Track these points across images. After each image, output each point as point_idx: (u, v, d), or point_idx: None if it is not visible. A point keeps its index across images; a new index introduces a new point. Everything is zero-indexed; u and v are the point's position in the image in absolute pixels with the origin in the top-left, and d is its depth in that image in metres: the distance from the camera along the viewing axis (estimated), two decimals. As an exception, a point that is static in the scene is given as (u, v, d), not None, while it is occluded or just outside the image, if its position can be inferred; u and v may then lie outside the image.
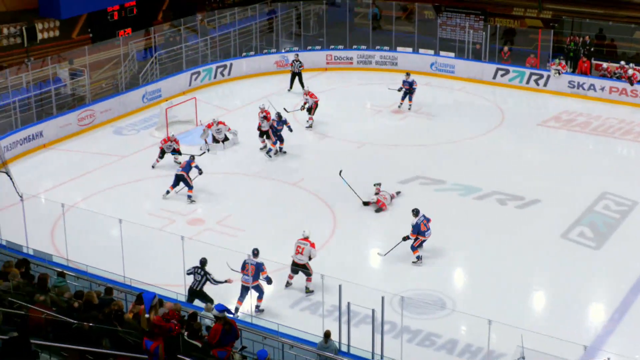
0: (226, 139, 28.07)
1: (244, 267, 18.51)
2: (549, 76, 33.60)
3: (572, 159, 27.51)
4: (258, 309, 18.74)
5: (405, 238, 20.90)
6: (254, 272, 18.38)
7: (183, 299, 17.64)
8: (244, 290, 18.56)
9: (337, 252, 21.51)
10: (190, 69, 34.22)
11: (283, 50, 36.83)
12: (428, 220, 21.00)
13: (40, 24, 31.69)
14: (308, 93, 30.04)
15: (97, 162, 27.07)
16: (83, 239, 21.06)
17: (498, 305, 18.83)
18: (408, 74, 31.83)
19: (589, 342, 17.27)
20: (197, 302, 17.90)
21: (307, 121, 29.98)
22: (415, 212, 20.96)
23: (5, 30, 30.53)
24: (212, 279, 18.23)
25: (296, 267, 19.62)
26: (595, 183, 25.10)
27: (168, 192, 24.37)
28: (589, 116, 31.15)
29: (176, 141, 26.51)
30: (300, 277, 19.61)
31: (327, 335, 15.77)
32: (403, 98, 31.69)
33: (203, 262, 18.29)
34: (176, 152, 26.48)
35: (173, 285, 18.19)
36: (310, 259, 19.53)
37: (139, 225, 20.07)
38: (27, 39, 31.16)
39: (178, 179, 24.22)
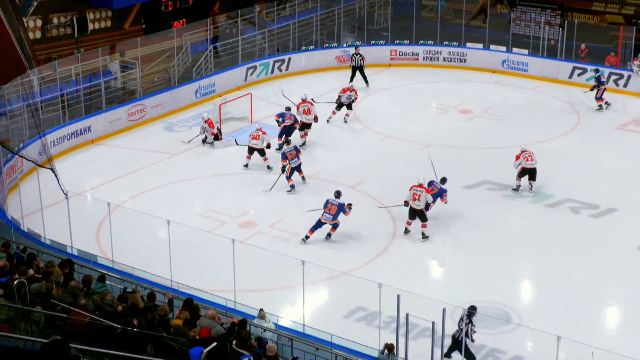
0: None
1: (326, 205, 21.76)
2: (629, 76, 33.13)
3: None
4: (329, 237, 21.94)
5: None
6: (335, 212, 21.65)
7: (232, 305, 17.73)
8: (319, 224, 21.75)
9: (396, 260, 21.48)
10: (247, 63, 34.45)
11: (345, 45, 36.88)
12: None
13: (91, 13, 32.19)
14: (352, 89, 30.20)
15: (146, 159, 27.41)
16: (129, 240, 21.37)
17: (568, 320, 18.61)
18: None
19: (666, 363, 17.00)
20: (246, 310, 17.87)
21: (346, 117, 30.30)
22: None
23: (55, 20, 31.05)
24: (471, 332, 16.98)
25: (414, 213, 22.20)
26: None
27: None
28: (672, 120, 30.71)
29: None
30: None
31: (390, 348, 15.72)
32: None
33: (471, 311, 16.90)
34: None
35: (222, 290, 18.31)
36: (427, 205, 22.20)
37: (187, 226, 20.24)
38: (77, 30, 31.65)
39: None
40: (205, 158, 27.48)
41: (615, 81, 33.66)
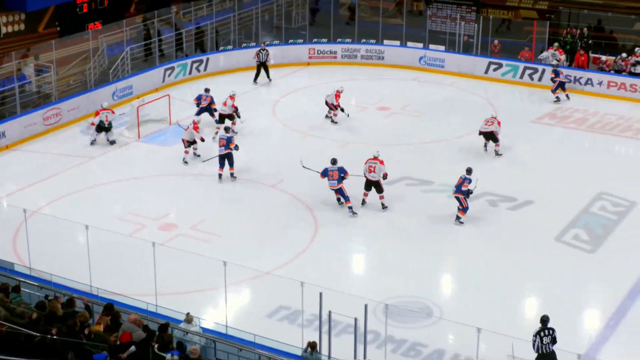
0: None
1: (326, 174, 23.48)
2: (544, 70, 33.73)
3: (567, 157, 27.65)
4: (352, 211, 23.56)
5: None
6: (337, 176, 23.35)
7: (153, 308, 17.63)
8: (340, 192, 23.65)
9: (317, 258, 21.60)
10: (164, 65, 34.23)
11: (263, 44, 36.85)
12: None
13: (4, 17, 31.62)
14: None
15: (63, 164, 27.01)
16: (47, 246, 21.07)
17: (488, 312, 18.92)
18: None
19: (582, 350, 17.37)
20: (168, 313, 17.78)
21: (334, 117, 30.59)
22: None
23: (-35, 24, 30.53)
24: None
25: (369, 185, 23.74)
26: (591, 183, 25.24)
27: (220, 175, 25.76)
28: (586, 112, 31.35)
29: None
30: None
31: (312, 346, 15.81)
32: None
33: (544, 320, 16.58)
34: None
35: (144, 294, 18.15)
36: (384, 176, 23.69)
37: (107, 231, 20.06)
38: (-11, 34, 31.16)
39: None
40: (124, 161, 27.23)
41: (530, 75, 34.27)
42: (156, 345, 14.49)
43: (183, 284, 19.78)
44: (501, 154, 27.39)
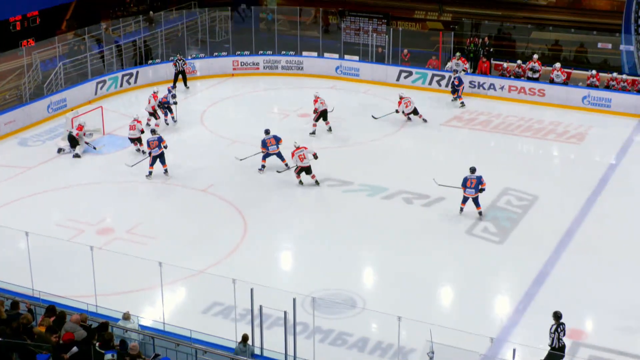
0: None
1: (265, 144, 26.21)
2: (450, 77, 34.10)
3: (475, 156, 27.97)
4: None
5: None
6: (274, 142, 26.23)
7: (93, 309, 17.33)
8: (279, 156, 26.15)
9: (247, 256, 21.48)
10: (96, 78, 33.72)
11: (189, 57, 36.60)
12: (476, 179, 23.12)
13: (-62, 35, 30.90)
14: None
15: (1, 174, 26.42)
16: (-11, 253, 20.60)
17: (407, 302, 19.07)
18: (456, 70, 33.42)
19: (495, 334, 17.65)
20: (108, 313, 17.49)
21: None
22: (472, 170, 23.41)
23: None
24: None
25: (302, 170, 25.28)
26: (497, 179, 25.49)
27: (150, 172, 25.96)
28: (490, 115, 31.81)
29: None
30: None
31: (244, 339, 15.74)
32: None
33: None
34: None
35: (83, 296, 17.86)
36: (314, 156, 25.25)
37: (46, 237, 19.68)
38: None
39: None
40: (60, 170, 26.74)
41: (438, 82, 34.64)
42: (97, 344, 14.26)
43: (121, 285, 19.49)
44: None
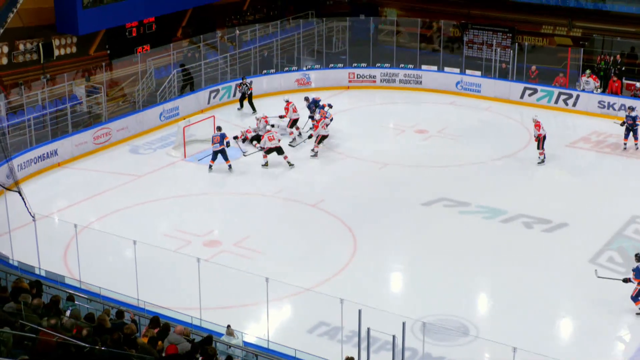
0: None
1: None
2: (578, 96, 33.44)
3: (601, 181, 27.36)
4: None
5: (626, 280, 19.89)
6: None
7: (197, 322, 17.62)
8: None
9: (356, 275, 21.47)
10: (209, 87, 34.38)
11: (304, 68, 36.96)
12: None
13: (57, 40, 31.98)
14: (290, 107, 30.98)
15: (112, 181, 27.20)
16: (96, 260, 21.22)
17: (523, 332, 18.70)
18: (632, 108, 30.16)
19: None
20: (212, 327, 17.74)
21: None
22: (638, 257, 19.98)
23: (21, 47, 30.80)
24: None
25: (272, 151, 27.46)
26: (624, 206, 24.91)
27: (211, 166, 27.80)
28: (619, 137, 30.96)
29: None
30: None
31: (349, 361, 15.73)
32: (627, 136, 29.94)
33: None
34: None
35: (188, 308, 18.20)
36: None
37: (153, 246, 20.13)
38: (43, 56, 31.43)
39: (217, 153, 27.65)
40: (170, 179, 27.38)
41: (565, 100, 34.00)
42: (200, 358, 14.44)
43: (226, 299, 19.76)
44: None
